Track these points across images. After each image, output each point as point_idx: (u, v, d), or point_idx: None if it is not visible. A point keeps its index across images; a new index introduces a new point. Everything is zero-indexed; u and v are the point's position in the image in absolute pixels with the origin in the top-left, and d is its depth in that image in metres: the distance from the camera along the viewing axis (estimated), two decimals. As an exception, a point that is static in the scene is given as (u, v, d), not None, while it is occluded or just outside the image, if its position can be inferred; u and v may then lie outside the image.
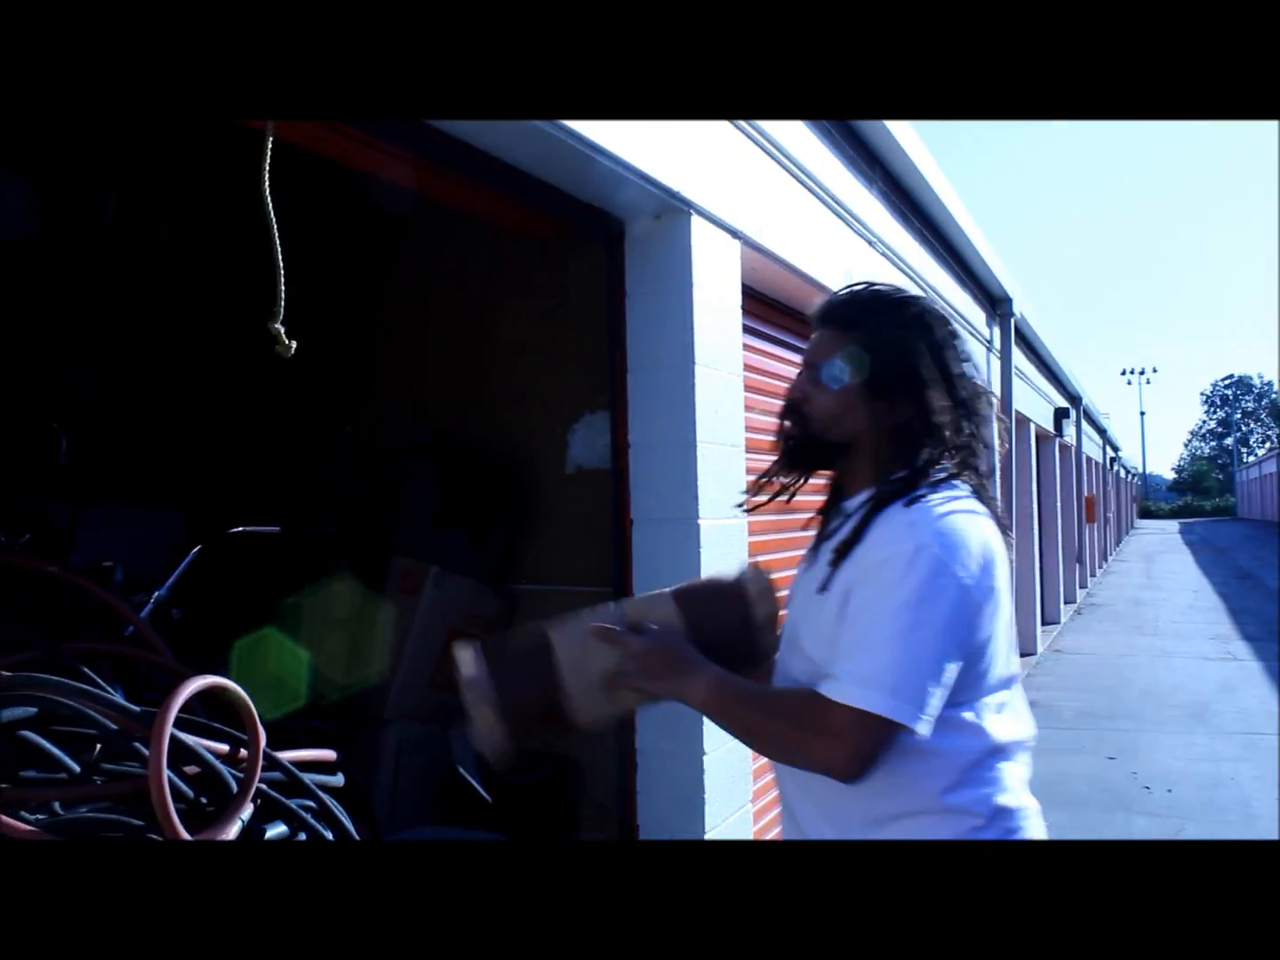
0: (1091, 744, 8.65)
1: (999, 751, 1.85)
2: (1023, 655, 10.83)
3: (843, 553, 1.83)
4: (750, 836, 4.31)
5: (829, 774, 1.73)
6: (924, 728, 1.68)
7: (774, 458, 2.05)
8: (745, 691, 1.87)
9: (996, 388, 10.75)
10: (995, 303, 10.65)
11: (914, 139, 6.39)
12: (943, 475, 1.85)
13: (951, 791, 1.79)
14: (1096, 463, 28.94)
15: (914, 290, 2.07)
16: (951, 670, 1.71)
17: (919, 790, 1.80)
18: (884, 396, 1.87)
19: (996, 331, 10.82)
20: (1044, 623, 15.57)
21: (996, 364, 10.80)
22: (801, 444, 1.97)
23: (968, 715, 1.80)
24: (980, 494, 1.89)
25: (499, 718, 1.88)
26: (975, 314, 9.94)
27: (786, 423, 2.00)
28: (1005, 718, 1.87)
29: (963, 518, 1.78)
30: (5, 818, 2.29)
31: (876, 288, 1.99)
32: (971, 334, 9.71)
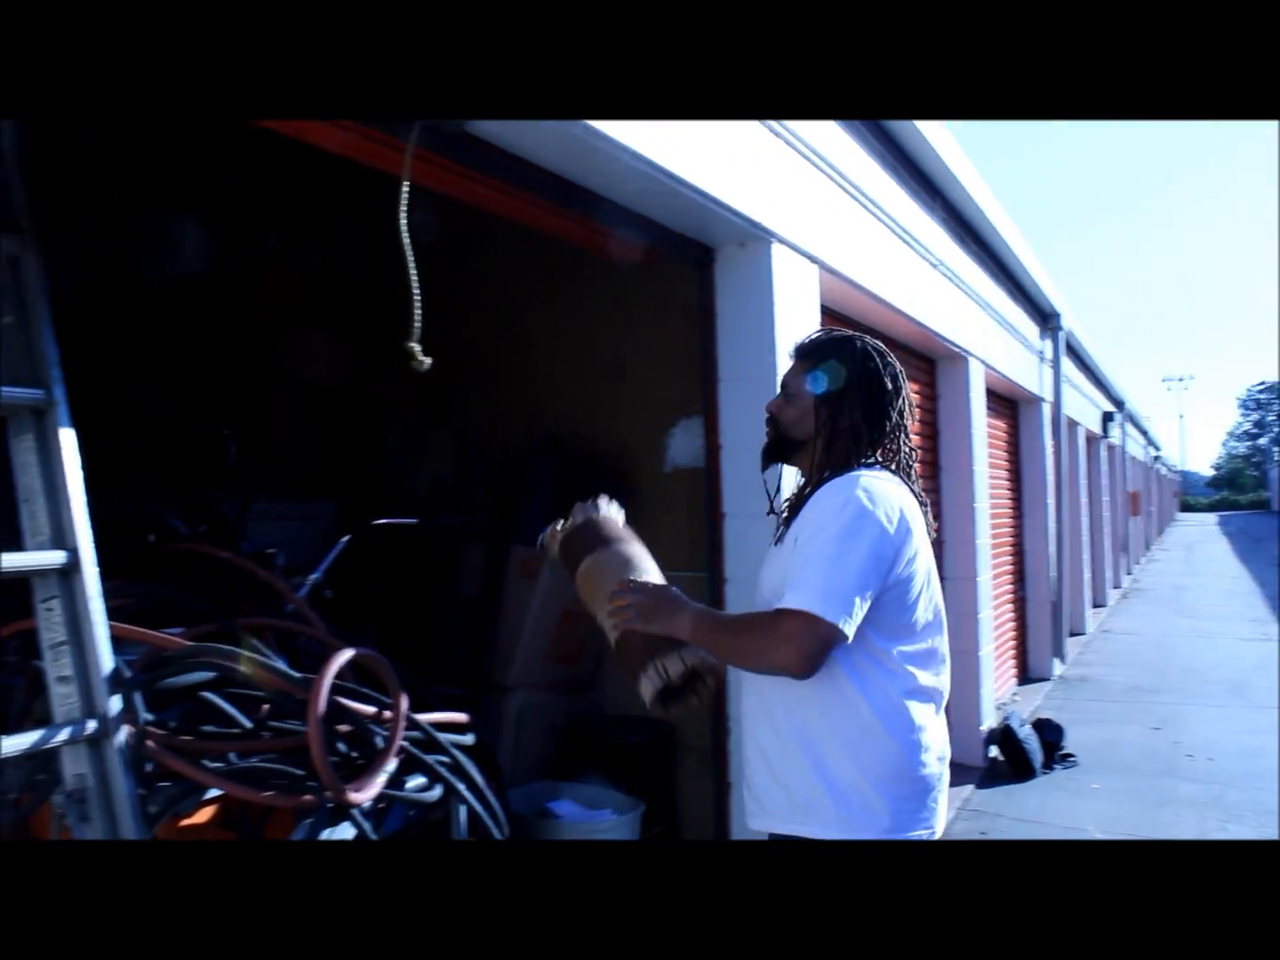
0: (1138, 715, 8.43)
1: (917, 692, 2.13)
2: (1073, 634, 10.69)
3: (791, 513, 2.25)
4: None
5: (786, 672, 1.99)
6: (848, 628, 1.96)
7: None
8: (721, 619, 2.22)
9: (1049, 394, 10.54)
10: (1046, 317, 10.43)
11: (971, 171, 6.29)
12: (870, 461, 2.21)
13: (875, 718, 2.07)
14: (1140, 461, 28.25)
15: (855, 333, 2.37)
16: (871, 589, 2.01)
17: (850, 714, 2.07)
18: (828, 405, 2.24)
19: (1048, 344, 10.61)
20: (1094, 605, 15.23)
21: (1049, 373, 10.57)
22: (774, 442, 2.35)
23: (892, 654, 2.10)
24: (903, 479, 2.23)
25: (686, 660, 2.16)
26: (1029, 328, 9.75)
27: (766, 428, 2.36)
28: (924, 664, 2.15)
29: (882, 482, 2.12)
30: (190, 764, 2.35)
31: (832, 331, 2.39)
32: (1024, 345, 9.53)
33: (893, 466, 2.24)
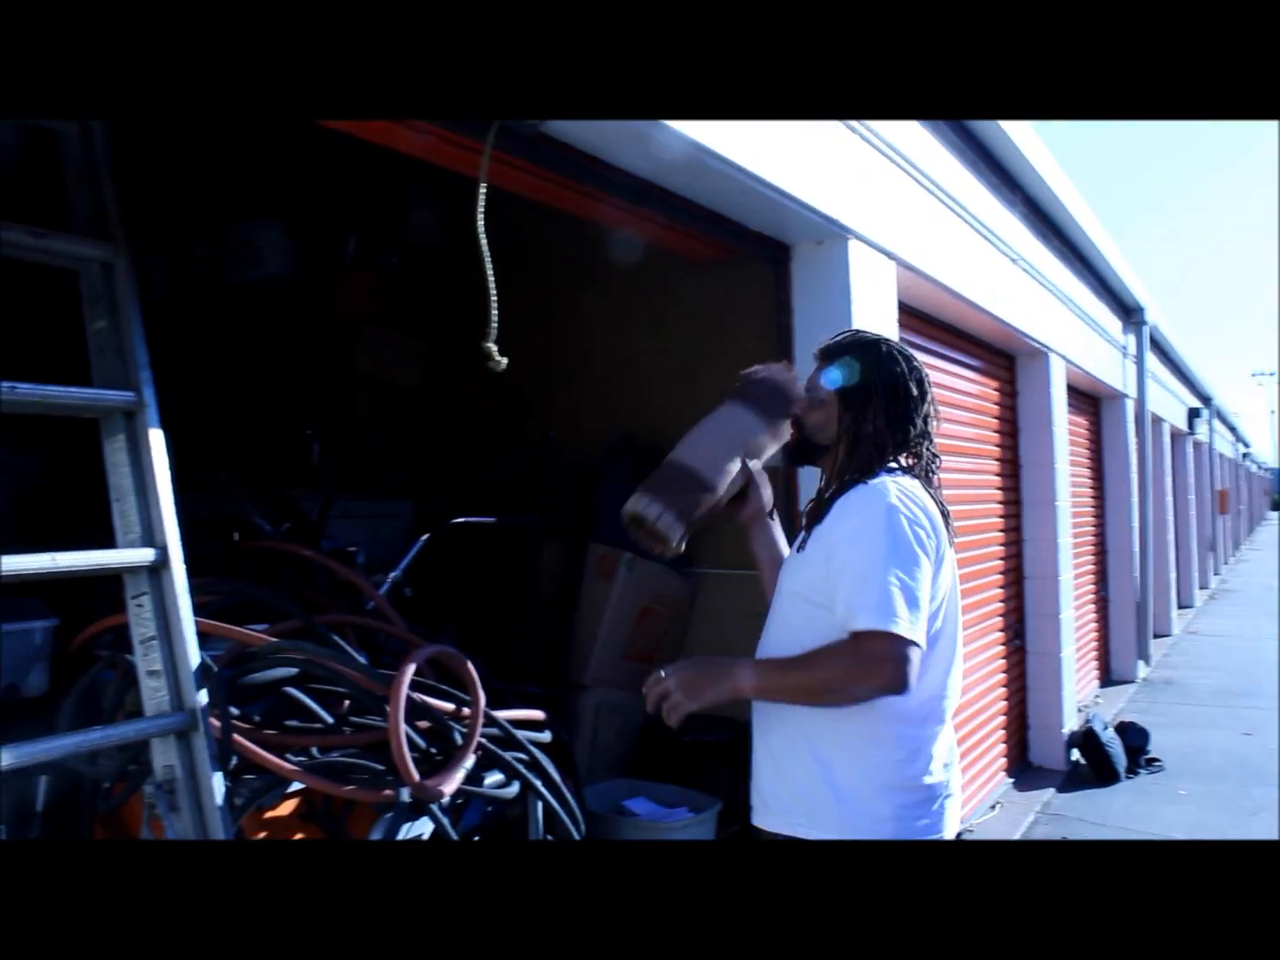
0: (1227, 720, 8.21)
1: (926, 700, 2.12)
2: (1158, 636, 10.48)
3: (813, 519, 2.20)
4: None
5: (888, 693, 1.96)
6: (924, 642, 1.98)
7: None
8: (784, 662, 2.11)
9: (1132, 390, 10.32)
10: (1129, 311, 10.21)
11: (1051, 164, 6.18)
12: (894, 467, 2.18)
13: (881, 725, 2.07)
14: (1228, 458, 27.58)
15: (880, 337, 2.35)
16: (928, 596, 2.03)
17: (857, 721, 2.05)
18: (852, 410, 2.22)
19: (1131, 338, 10.39)
20: (1180, 606, 14.89)
21: (1132, 369, 10.36)
22: (798, 444, 2.34)
23: None
24: (925, 484, 2.19)
25: (676, 517, 2.25)
26: (1111, 322, 9.56)
27: (791, 430, 2.35)
28: (935, 671, 2.14)
29: (911, 488, 2.11)
30: (275, 757, 2.40)
31: (859, 334, 2.36)
32: (1107, 340, 9.35)
33: (916, 472, 2.21)
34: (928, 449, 2.25)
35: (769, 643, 2.28)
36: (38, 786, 2.73)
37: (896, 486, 2.09)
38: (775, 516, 2.51)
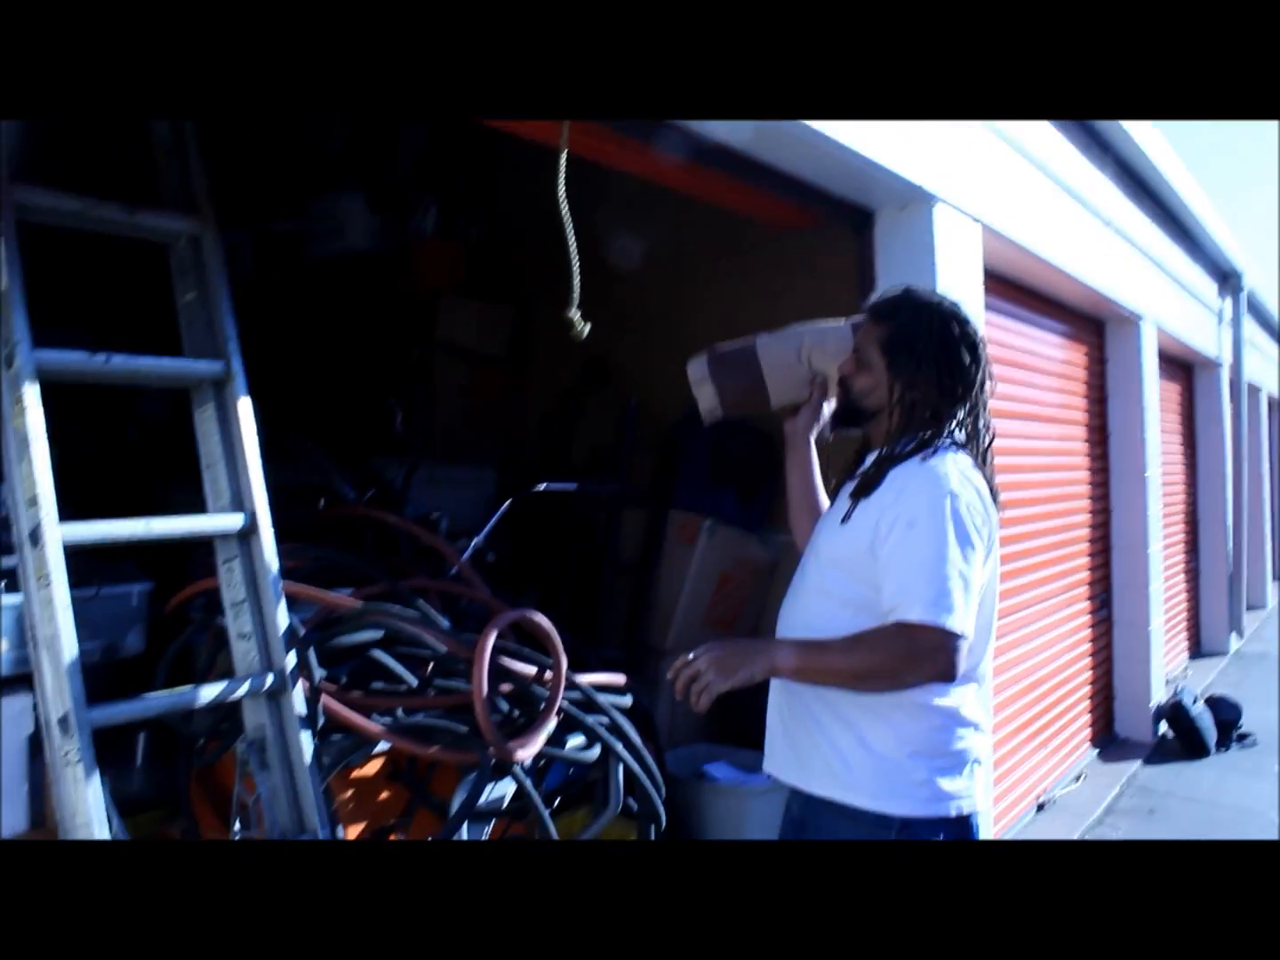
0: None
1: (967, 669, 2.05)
2: (1251, 609, 10.20)
3: (863, 493, 2.09)
4: (990, 766, 4.19)
5: (936, 682, 1.98)
6: (971, 632, 1.97)
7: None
8: (828, 646, 2.04)
9: (1227, 358, 10.03)
10: (1226, 276, 9.89)
11: (1144, 123, 6.00)
12: (948, 443, 2.09)
13: (915, 694, 2.02)
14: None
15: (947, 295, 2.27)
16: (976, 586, 1.99)
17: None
18: (903, 378, 2.11)
19: (1228, 303, 10.07)
20: (1276, 579, 14.45)
21: (1228, 335, 10.05)
22: (845, 408, 2.29)
23: None
24: (978, 462, 2.11)
25: (715, 393, 2.44)
26: (1206, 287, 9.28)
27: (838, 391, 2.31)
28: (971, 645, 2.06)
29: (969, 474, 2.04)
30: (361, 718, 2.45)
31: (910, 290, 2.21)
32: (1202, 305, 9.08)
33: (971, 448, 2.11)
34: (982, 421, 2.15)
35: (798, 608, 2.25)
36: (137, 742, 2.83)
37: (956, 469, 2.03)
38: (825, 439, 2.49)
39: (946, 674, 1.94)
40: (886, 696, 2.03)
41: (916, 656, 1.93)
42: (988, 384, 2.16)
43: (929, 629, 1.91)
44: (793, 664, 2.03)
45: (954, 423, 2.11)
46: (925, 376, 2.10)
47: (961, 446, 2.10)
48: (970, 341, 2.13)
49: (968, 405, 2.12)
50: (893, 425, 2.13)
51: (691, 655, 2.04)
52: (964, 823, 2.07)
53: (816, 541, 2.26)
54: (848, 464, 2.28)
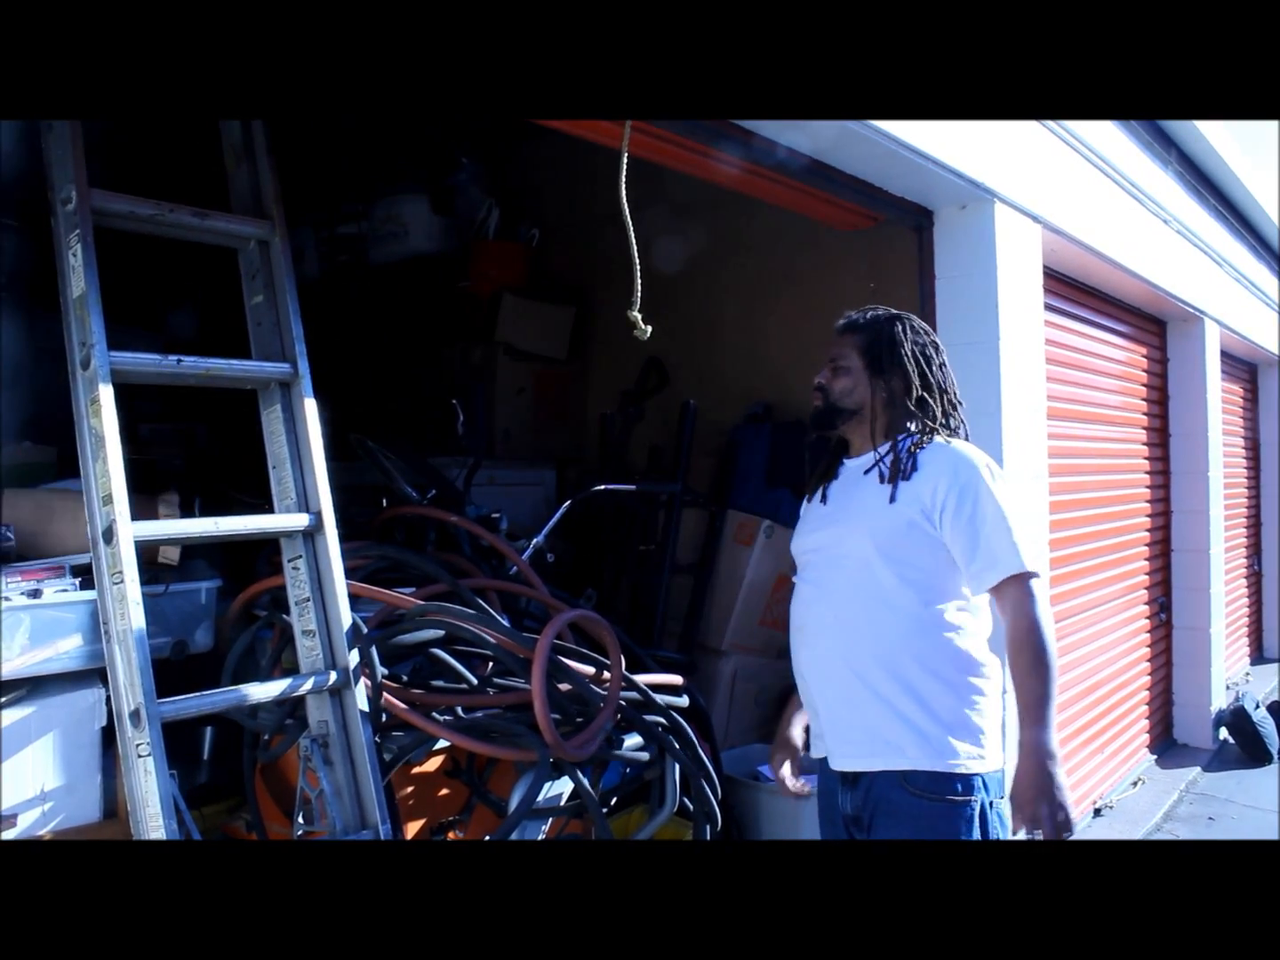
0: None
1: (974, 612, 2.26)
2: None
3: (900, 475, 2.24)
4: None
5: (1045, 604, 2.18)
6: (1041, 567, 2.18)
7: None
8: (1027, 690, 2.12)
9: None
10: (1293, 275, 9.70)
11: (1207, 120, 5.88)
12: (937, 425, 2.31)
13: (973, 660, 2.21)
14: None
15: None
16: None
17: (952, 658, 2.20)
18: (879, 374, 2.33)
19: (1295, 303, 9.86)
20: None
21: (1295, 335, 9.84)
22: (823, 411, 2.40)
23: (982, 605, 2.26)
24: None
25: None
26: (1271, 284, 9.07)
27: (814, 397, 2.42)
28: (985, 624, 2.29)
29: (985, 453, 2.28)
30: (422, 716, 2.47)
31: (879, 309, 2.45)
32: (1267, 303, 8.88)
33: (961, 434, 2.35)
34: (958, 418, 2.38)
35: (844, 606, 2.28)
36: (204, 736, 2.87)
37: (973, 449, 2.27)
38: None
39: (1042, 603, 2.16)
40: (946, 661, 2.19)
41: (1033, 600, 2.14)
42: (954, 387, 2.41)
43: (1021, 576, 2.14)
44: (1050, 735, 2.09)
45: (937, 412, 2.33)
46: (903, 375, 2.33)
47: (951, 434, 2.32)
48: (938, 347, 2.41)
49: (946, 401, 2.36)
50: (879, 419, 2.34)
51: (1034, 833, 2.07)
52: (1002, 774, 2.21)
53: (841, 540, 2.32)
54: (826, 465, 2.47)
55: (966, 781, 2.13)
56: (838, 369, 2.38)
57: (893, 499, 2.23)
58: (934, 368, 2.36)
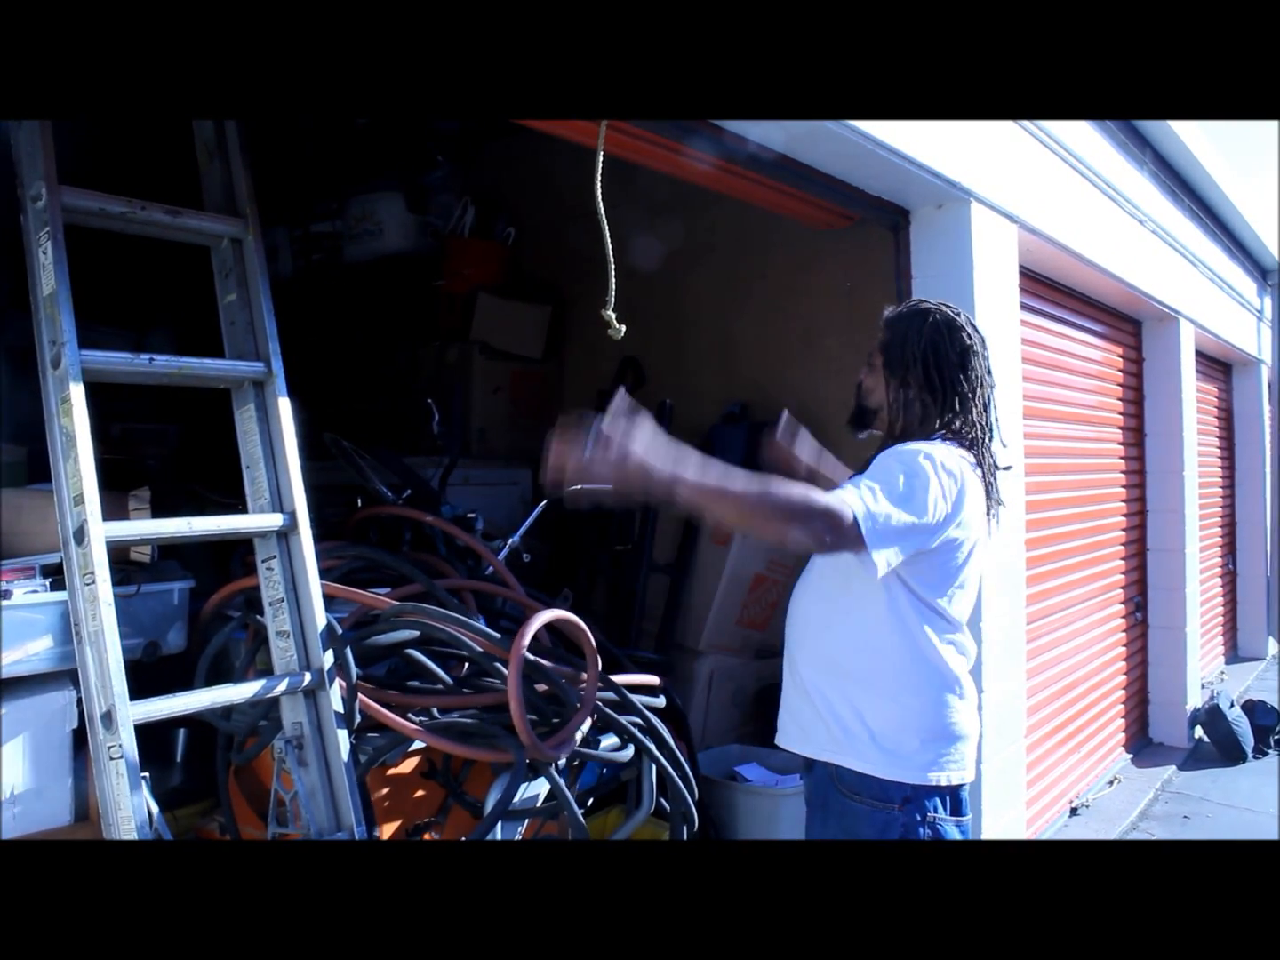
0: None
1: (956, 646, 2.22)
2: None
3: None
4: (1023, 769, 4.18)
5: (795, 546, 2.02)
6: (878, 557, 1.98)
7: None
8: (734, 471, 1.94)
9: (1268, 356, 9.91)
10: (1266, 273, 9.79)
11: (1184, 120, 5.94)
12: (941, 434, 2.23)
13: (915, 667, 2.17)
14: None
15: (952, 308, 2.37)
16: (914, 525, 2.03)
17: (894, 661, 2.17)
18: (896, 376, 2.30)
19: (1268, 301, 9.95)
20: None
21: (1268, 333, 9.93)
22: (854, 410, 2.42)
23: (937, 610, 2.17)
24: (979, 464, 2.23)
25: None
26: (1246, 285, 9.17)
27: (855, 395, 2.42)
28: (961, 625, 2.25)
29: (945, 451, 2.15)
30: (397, 717, 2.47)
31: (919, 301, 2.40)
32: (1241, 304, 8.98)
33: (965, 441, 2.24)
34: (979, 416, 2.28)
35: (807, 596, 2.36)
36: (177, 738, 2.86)
37: (929, 447, 2.15)
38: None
39: (817, 545, 2.00)
40: (893, 669, 2.16)
41: (815, 515, 1.92)
42: (980, 387, 2.30)
43: (842, 511, 1.94)
44: (692, 480, 1.92)
45: (949, 418, 2.25)
46: (914, 375, 2.28)
47: (956, 441, 2.23)
48: (960, 346, 2.29)
49: (957, 404, 2.27)
50: (898, 420, 2.31)
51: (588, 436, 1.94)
52: (956, 792, 2.19)
53: None
54: (864, 464, 2.35)
55: (894, 789, 2.14)
56: (870, 366, 2.38)
57: None
58: (946, 368, 2.27)
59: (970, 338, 2.30)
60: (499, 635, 2.63)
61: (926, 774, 2.14)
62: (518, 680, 2.44)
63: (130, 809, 1.97)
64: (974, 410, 2.28)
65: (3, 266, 2.55)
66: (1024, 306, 4.44)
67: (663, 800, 2.85)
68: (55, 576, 2.30)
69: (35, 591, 2.30)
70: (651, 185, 3.73)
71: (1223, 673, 8.83)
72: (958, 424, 2.25)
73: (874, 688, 2.17)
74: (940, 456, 2.12)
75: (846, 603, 2.22)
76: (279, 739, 2.36)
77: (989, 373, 2.34)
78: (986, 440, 2.29)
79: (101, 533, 2.05)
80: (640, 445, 1.90)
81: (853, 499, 1.97)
